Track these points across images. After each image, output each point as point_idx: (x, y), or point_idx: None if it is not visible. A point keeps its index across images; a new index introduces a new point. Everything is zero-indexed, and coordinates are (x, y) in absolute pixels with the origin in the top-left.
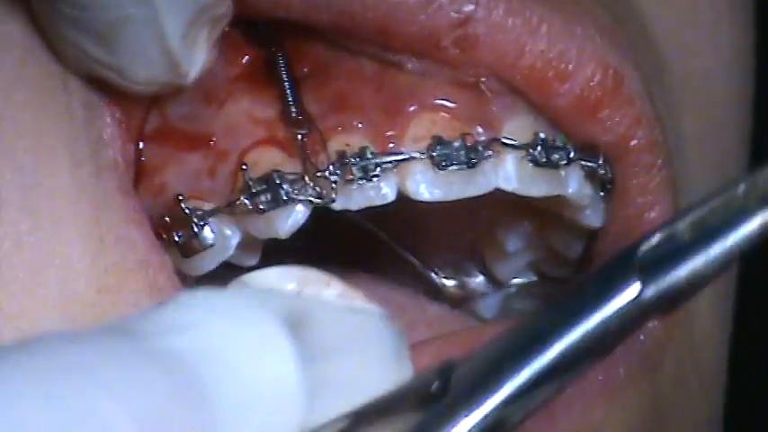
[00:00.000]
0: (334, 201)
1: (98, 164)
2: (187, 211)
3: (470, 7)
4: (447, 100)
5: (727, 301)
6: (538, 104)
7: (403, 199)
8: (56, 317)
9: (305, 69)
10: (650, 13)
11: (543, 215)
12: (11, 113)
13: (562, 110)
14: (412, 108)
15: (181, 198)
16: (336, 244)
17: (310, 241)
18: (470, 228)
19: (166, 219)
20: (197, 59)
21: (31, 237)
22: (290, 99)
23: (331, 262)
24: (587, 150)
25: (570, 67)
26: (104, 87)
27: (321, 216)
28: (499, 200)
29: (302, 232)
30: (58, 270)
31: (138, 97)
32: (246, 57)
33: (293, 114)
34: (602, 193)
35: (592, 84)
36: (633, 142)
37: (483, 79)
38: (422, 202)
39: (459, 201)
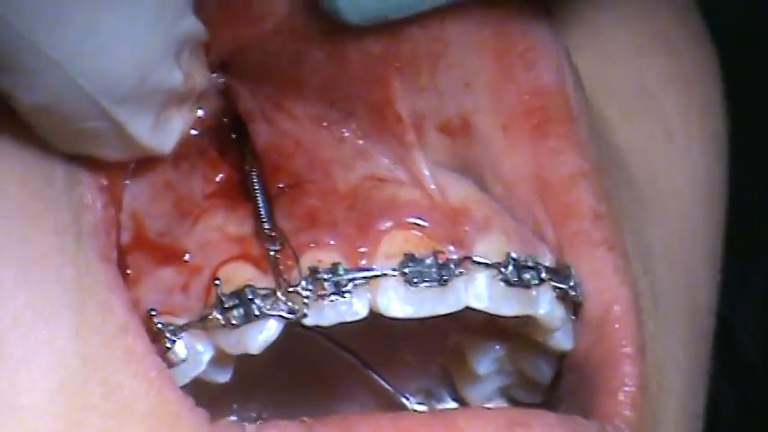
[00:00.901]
0: (306, 316)
1: (79, 229)
2: (160, 325)
3: None
4: (420, 218)
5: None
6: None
7: (374, 317)
8: (47, 389)
9: (279, 185)
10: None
11: (513, 338)
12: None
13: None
14: (385, 226)
15: (153, 313)
16: (307, 364)
17: (281, 362)
18: (441, 352)
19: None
20: (171, 135)
21: (27, 311)
22: (263, 216)
23: (302, 384)
24: (559, 272)
25: None
26: (84, 157)
27: (292, 335)
28: (469, 323)
29: (273, 352)
30: (49, 343)
31: (119, 166)
32: (221, 174)
33: (266, 231)
34: (573, 317)
35: None
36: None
37: None
38: (393, 318)
39: (429, 325)
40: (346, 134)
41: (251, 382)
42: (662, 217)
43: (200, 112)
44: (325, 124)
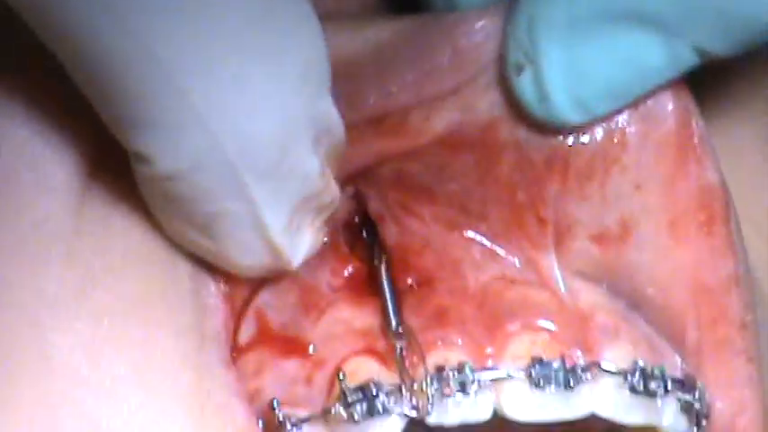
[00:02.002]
0: (429, 414)
1: (202, 333)
2: (281, 417)
3: None
4: (549, 321)
5: None
6: None
7: (495, 420)
8: None
9: (408, 282)
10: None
11: None
12: (122, 286)
13: None
14: (513, 328)
15: (276, 404)
16: None
17: None
18: None
19: (259, 423)
20: (301, 247)
21: (140, 413)
22: (390, 311)
23: None
24: (684, 384)
25: None
26: (211, 264)
27: None
28: (588, 430)
29: None
30: None
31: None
32: (350, 268)
33: (393, 327)
34: (695, 430)
35: None
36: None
37: None
38: (517, 422)
39: (547, 429)
40: (475, 236)
41: None
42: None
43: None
44: (454, 227)
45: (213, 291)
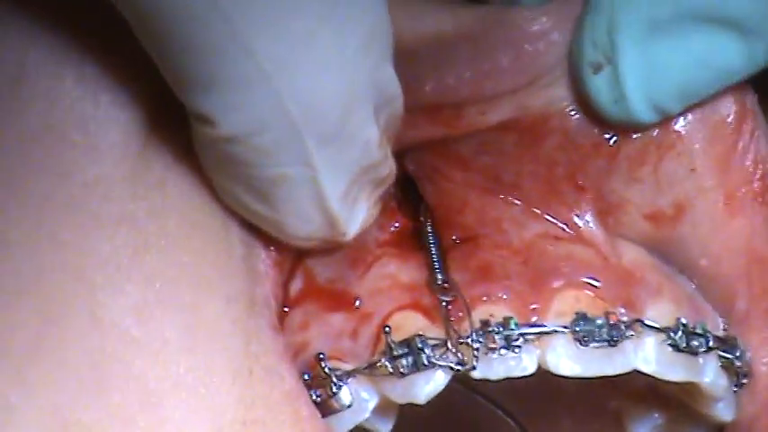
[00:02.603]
0: (474, 369)
1: (252, 299)
2: (327, 370)
3: None
4: (593, 279)
5: None
6: None
7: (538, 378)
8: None
9: (453, 238)
10: None
11: (673, 407)
12: (175, 250)
13: None
14: (557, 284)
15: (322, 357)
16: (462, 425)
17: (436, 419)
18: (598, 419)
19: (305, 377)
20: (357, 218)
21: (188, 376)
22: (436, 267)
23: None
24: (726, 342)
25: None
26: (263, 231)
27: (450, 393)
28: (630, 389)
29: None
30: (209, 407)
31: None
32: (396, 224)
33: (439, 282)
34: (735, 389)
35: None
36: None
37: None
38: (561, 376)
39: (590, 390)
40: (511, 199)
41: None
42: None
43: None
44: (487, 192)
45: (264, 257)
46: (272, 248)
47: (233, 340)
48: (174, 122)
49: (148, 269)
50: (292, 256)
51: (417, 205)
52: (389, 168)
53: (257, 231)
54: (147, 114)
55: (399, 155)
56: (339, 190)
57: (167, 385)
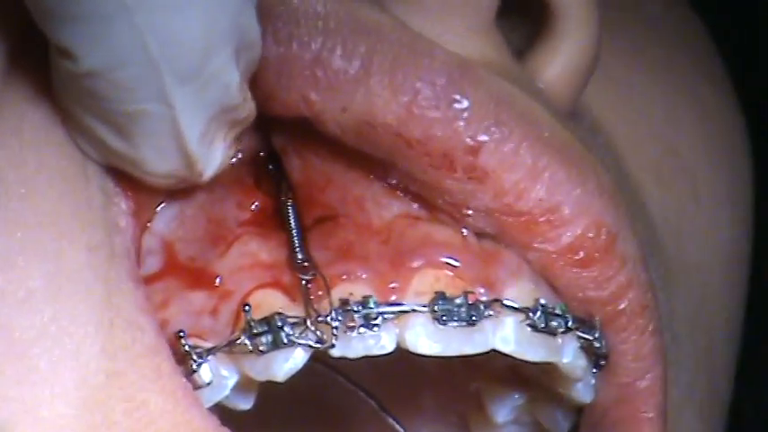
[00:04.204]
0: (333, 347)
1: (112, 250)
2: (187, 347)
3: (484, 137)
4: (452, 259)
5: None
6: (525, 246)
7: (398, 358)
8: (69, 403)
9: (314, 217)
10: (650, 192)
11: (533, 388)
12: (35, 199)
13: (550, 256)
14: (417, 264)
15: (182, 335)
16: (323, 405)
17: (297, 399)
18: (460, 400)
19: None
20: (214, 159)
21: (53, 325)
22: (296, 246)
23: (316, 424)
24: (585, 322)
25: (564, 218)
26: (121, 176)
27: (311, 373)
28: (491, 370)
29: (291, 388)
30: (73, 357)
31: (153, 190)
32: (256, 202)
33: (299, 261)
34: (594, 370)
35: (584, 237)
36: (623, 304)
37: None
38: (419, 355)
39: (450, 371)
40: (374, 179)
41: (267, 417)
42: (686, 284)
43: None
44: (355, 167)
45: (123, 208)
46: (131, 200)
47: (95, 290)
48: (30, 65)
49: (10, 218)
50: (150, 207)
51: (278, 184)
52: (248, 111)
53: (115, 179)
54: (4, 58)
55: (267, 129)
56: (197, 129)
57: (32, 335)
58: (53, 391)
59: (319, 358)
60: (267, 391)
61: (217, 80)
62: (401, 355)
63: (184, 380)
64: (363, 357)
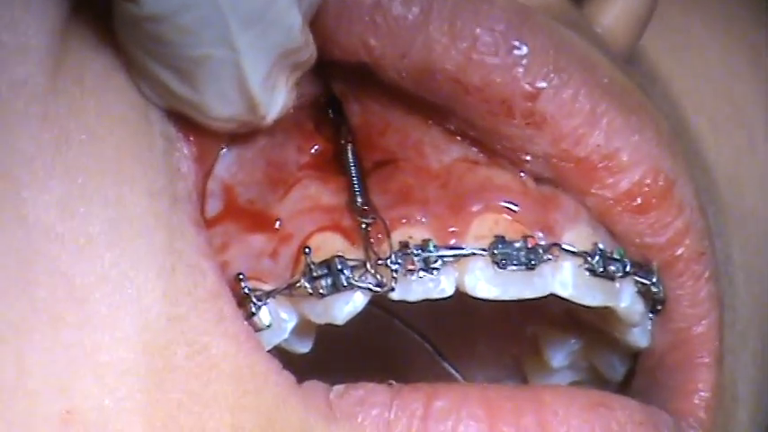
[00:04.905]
0: (393, 290)
1: (174, 195)
2: (246, 290)
3: (543, 83)
4: (511, 203)
5: None
6: (583, 191)
7: (455, 301)
8: (130, 348)
9: (374, 161)
10: (706, 139)
11: (590, 333)
12: (96, 145)
13: (608, 202)
14: (476, 207)
15: (241, 277)
16: (379, 350)
17: (352, 344)
18: (515, 344)
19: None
20: (276, 102)
21: (113, 270)
22: (356, 189)
23: (371, 369)
24: (642, 267)
25: (622, 164)
26: (183, 121)
27: (366, 318)
28: (548, 315)
29: (347, 333)
30: (134, 302)
31: (215, 135)
32: (316, 146)
33: (359, 204)
34: (651, 315)
35: (641, 184)
36: (680, 250)
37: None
38: (478, 299)
39: (507, 315)
40: (433, 123)
41: (323, 361)
42: (742, 231)
43: None
44: (414, 112)
45: (186, 153)
46: (193, 145)
47: (156, 235)
48: (92, 13)
49: (71, 164)
50: (213, 154)
51: (337, 128)
52: (310, 54)
53: (178, 124)
54: (67, 5)
55: (326, 75)
56: (260, 73)
57: (92, 280)
58: (114, 335)
59: (377, 302)
60: (323, 334)
61: (279, 23)
62: (457, 300)
63: (246, 323)
64: (422, 301)
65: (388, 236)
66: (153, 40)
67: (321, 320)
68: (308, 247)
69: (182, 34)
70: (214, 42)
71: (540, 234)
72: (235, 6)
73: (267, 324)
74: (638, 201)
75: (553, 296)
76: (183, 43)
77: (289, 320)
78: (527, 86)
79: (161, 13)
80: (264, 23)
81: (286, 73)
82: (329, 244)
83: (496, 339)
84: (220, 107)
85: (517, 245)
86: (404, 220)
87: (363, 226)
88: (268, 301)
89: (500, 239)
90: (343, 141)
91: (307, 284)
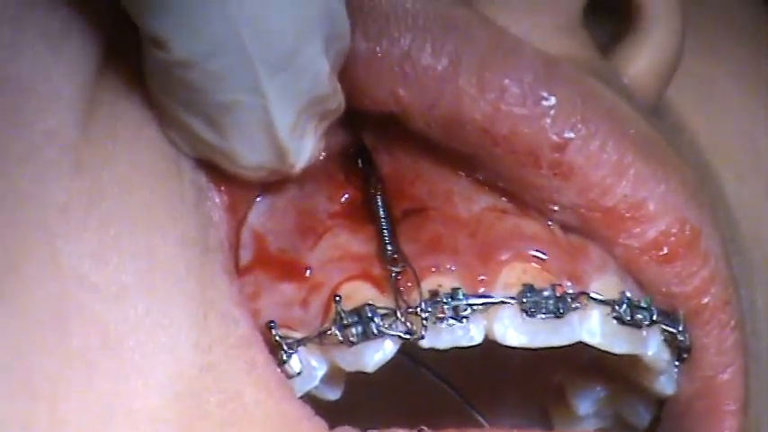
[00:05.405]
0: (423, 338)
1: (205, 244)
2: (278, 338)
3: (570, 134)
4: (539, 252)
5: None
6: (610, 241)
7: (485, 351)
8: (163, 396)
9: (403, 210)
10: (731, 188)
11: (616, 380)
12: (129, 195)
13: (635, 251)
14: (505, 256)
15: (272, 325)
16: (408, 397)
17: (381, 391)
18: (542, 392)
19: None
20: (305, 150)
21: (147, 318)
22: (386, 238)
23: (400, 416)
24: (669, 315)
25: (649, 214)
26: (214, 171)
27: (396, 367)
28: (575, 363)
29: (378, 380)
30: (167, 350)
31: (247, 185)
32: (346, 195)
33: (389, 253)
34: (677, 363)
35: (668, 234)
36: (706, 299)
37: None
38: (506, 347)
39: (534, 364)
40: (462, 173)
41: (353, 408)
42: (766, 279)
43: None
44: (443, 164)
45: (217, 202)
46: (224, 194)
47: (188, 284)
48: (123, 63)
49: (104, 214)
50: (244, 203)
51: (367, 177)
52: (338, 102)
53: (209, 174)
54: (98, 62)
55: (356, 125)
56: (289, 120)
57: (126, 329)
58: (147, 383)
59: (405, 351)
60: (352, 382)
61: (308, 70)
62: (485, 348)
63: (278, 370)
64: (451, 349)
65: (418, 284)
66: (182, 87)
67: (351, 368)
68: (339, 296)
69: (211, 80)
70: (242, 88)
71: (569, 283)
72: (263, 53)
73: (298, 372)
74: (665, 250)
75: (581, 344)
76: (211, 89)
77: (319, 368)
78: (554, 137)
79: (190, 59)
80: (292, 70)
81: (314, 121)
82: (359, 292)
83: (524, 387)
84: (249, 155)
85: (545, 293)
86: (433, 269)
87: (393, 274)
88: (299, 348)
89: (528, 288)
90: (372, 190)
91: (337, 332)
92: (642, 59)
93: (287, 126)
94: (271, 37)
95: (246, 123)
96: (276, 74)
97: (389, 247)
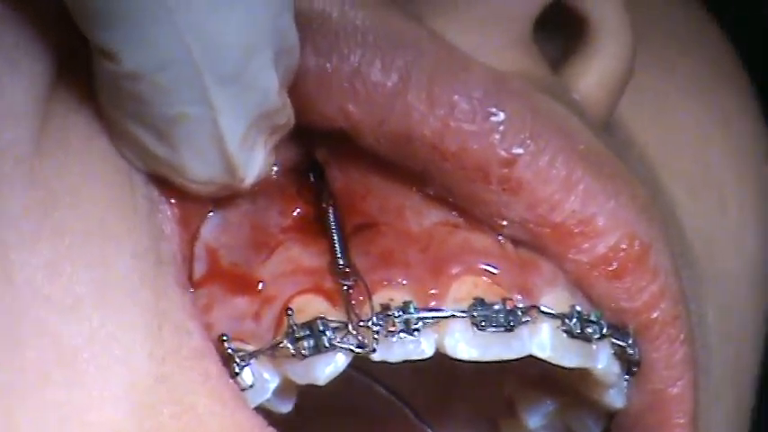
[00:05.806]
0: (374, 351)
1: (158, 256)
2: (230, 351)
3: (519, 150)
4: (490, 266)
5: None
6: (560, 256)
7: (434, 365)
8: (118, 407)
9: (355, 224)
10: (681, 203)
11: (566, 394)
12: (82, 206)
13: (584, 266)
14: (456, 270)
15: (225, 338)
16: (356, 411)
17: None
18: (492, 406)
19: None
20: (254, 165)
21: (101, 330)
22: (338, 251)
23: (349, 425)
24: (619, 329)
25: (598, 230)
26: (165, 185)
27: (345, 380)
28: (524, 377)
29: (325, 392)
30: (121, 362)
31: (198, 199)
32: (298, 210)
33: (340, 266)
34: (626, 376)
35: (617, 249)
36: (656, 314)
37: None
38: (457, 360)
39: (484, 377)
40: (415, 188)
41: (303, 421)
42: (716, 294)
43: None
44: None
45: (169, 215)
46: (176, 207)
47: (142, 295)
48: (74, 77)
49: (57, 225)
50: (196, 217)
51: (319, 192)
52: (287, 117)
53: (160, 188)
54: (52, 69)
55: (306, 141)
56: (238, 133)
57: (81, 341)
58: (102, 395)
59: (355, 364)
60: (302, 395)
61: (256, 83)
62: (434, 361)
63: (232, 381)
64: (402, 362)
65: (370, 298)
66: (131, 99)
67: (303, 381)
68: (291, 309)
69: (159, 92)
70: (191, 100)
71: (519, 296)
72: (212, 65)
73: (250, 384)
74: (614, 265)
75: (531, 357)
76: (160, 101)
77: (271, 381)
78: (503, 153)
79: (139, 71)
80: (241, 82)
81: (264, 136)
82: (311, 306)
83: (474, 400)
84: (199, 168)
85: (496, 307)
86: (385, 283)
87: (345, 288)
88: (251, 361)
89: (479, 302)
90: (324, 205)
91: (289, 345)
92: (593, 74)
93: (236, 139)
94: (219, 50)
95: (196, 136)
96: (225, 86)
97: (341, 261)
